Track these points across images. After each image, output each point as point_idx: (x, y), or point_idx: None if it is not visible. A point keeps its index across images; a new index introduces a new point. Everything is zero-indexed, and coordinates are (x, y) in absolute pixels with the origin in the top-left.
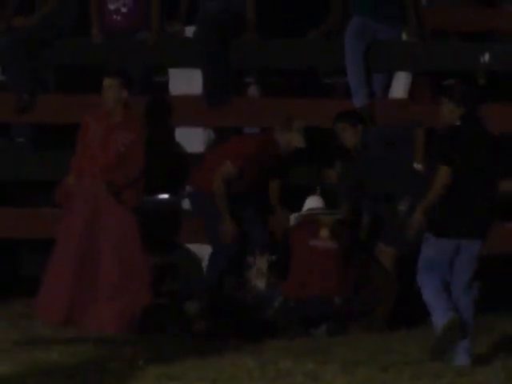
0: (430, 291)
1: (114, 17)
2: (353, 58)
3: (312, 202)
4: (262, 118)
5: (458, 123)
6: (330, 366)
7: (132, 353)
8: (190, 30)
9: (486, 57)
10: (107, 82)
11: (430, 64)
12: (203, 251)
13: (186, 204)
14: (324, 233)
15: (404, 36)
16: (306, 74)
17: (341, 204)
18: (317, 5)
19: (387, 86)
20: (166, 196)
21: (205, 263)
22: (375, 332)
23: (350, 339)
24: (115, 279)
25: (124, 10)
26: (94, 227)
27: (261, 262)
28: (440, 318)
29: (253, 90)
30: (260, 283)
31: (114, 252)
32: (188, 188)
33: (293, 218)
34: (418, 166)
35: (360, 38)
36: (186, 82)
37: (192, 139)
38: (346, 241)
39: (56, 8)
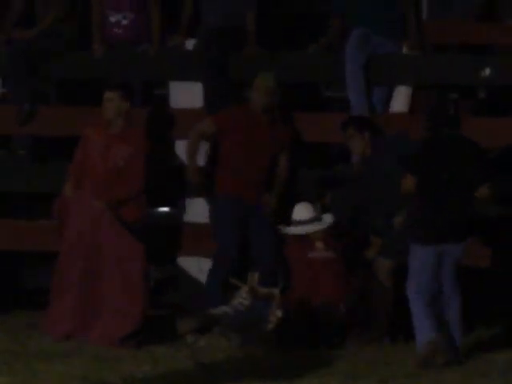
0: (416, 307)
1: (115, 29)
2: (352, 69)
3: (300, 211)
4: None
5: (432, 134)
6: (329, 379)
7: (132, 366)
8: (190, 43)
9: (487, 71)
10: (108, 95)
11: (431, 77)
12: (203, 264)
13: (186, 216)
14: (319, 244)
15: (404, 49)
16: (307, 87)
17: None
18: (317, 18)
19: (387, 100)
20: (165, 209)
21: (204, 277)
22: (374, 344)
23: (350, 352)
24: (117, 294)
25: (125, 22)
26: (93, 242)
27: (252, 281)
28: (422, 337)
29: None
30: (246, 301)
31: (115, 267)
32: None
33: (282, 229)
34: None
35: (361, 50)
36: (186, 94)
37: None
38: (341, 248)
39: (57, 20)
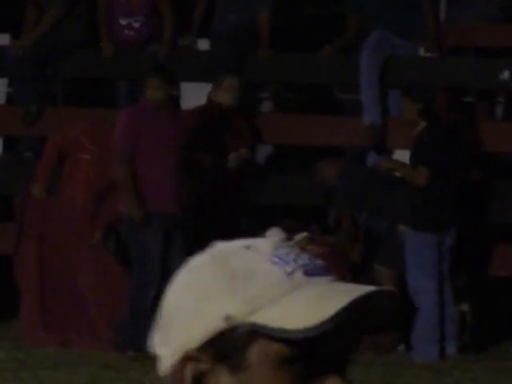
0: (425, 310)
1: (126, 32)
2: (368, 72)
3: (273, 235)
4: (276, 134)
5: (424, 125)
6: None
7: (140, 374)
8: (202, 43)
9: (506, 74)
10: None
11: (448, 80)
12: None
13: None
14: (310, 247)
15: (421, 51)
16: (321, 89)
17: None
18: (333, 19)
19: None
20: None
21: None
22: (385, 353)
23: (361, 361)
24: (94, 296)
25: (136, 25)
26: (69, 258)
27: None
28: (423, 347)
29: (266, 106)
30: None
31: (90, 270)
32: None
33: None
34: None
35: (377, 53)
36: (197, 96)
37: None
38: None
39: (57, 20)
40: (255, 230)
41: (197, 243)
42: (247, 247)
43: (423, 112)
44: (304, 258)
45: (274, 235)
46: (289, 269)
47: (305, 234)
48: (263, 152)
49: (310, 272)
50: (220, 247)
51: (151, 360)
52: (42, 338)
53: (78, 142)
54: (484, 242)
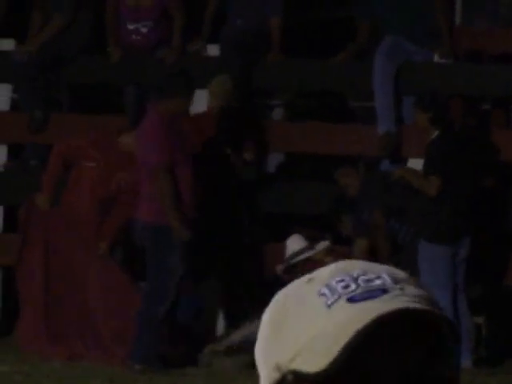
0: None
1: (134, 37)
2: (382, 79)
3: (293, 244)
4: (287, 142)
5: (437, 134)
6: None
7: None
8: (212, 49)
9: None
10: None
11: (464, 87)
12: None
13: None
14: (329, 259)
15: (436, 57)
16: (333, 96)
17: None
18: (345, 25)
19: None
20: None
21: None
22: None
23: None
24: (100, 308)
25: (144, 30)
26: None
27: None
28: None
29: (278, 113)
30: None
31: (99, 283)
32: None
33: (279, 269)
34: None
35: (391, 59)
36: (206, 103)
37: None
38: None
39: (62, 26)
40: (266, 238)
41: (204, 254)
42: (309, 280)
43: (434, 120)
44: (360, 281)
45: (295, 242)
46: (330, 300)
47: (327, 243)
48: (274, 160)
49: (357, 297)
50: (290, 285)
51: (158, 374)
52: (46, 350)
53: (83, 150)
54: (499, 251)
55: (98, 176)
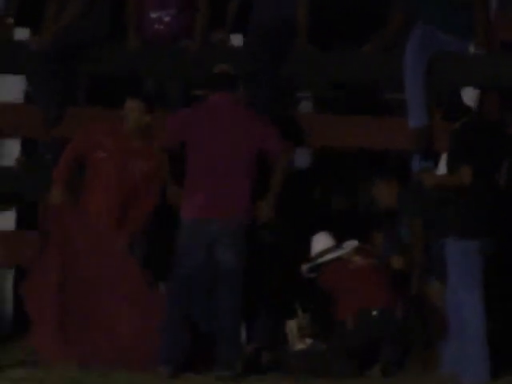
0: (471, 326)
1: (156, 26)
2: (413, 72)
3: (320, 242)
4: (314, 136)
5: (458, 125)
6: None
7: None
8: (235, 38)
9: None
10: (130, 104)
11: (500, 80)
12: None
13: None
14: (356, 258)
15: (471, 48)
16: (364, 88)
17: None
18: (375, 15)
19: None
20: None
21: None
22: (432, 370)
23: (408, 380)
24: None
25: (167, 19)
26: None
27: (301, 321)
28: (472, 367)
29: (305, 106)
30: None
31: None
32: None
33: (305, 268)
34: None
35: (423, 51)
36: None
37: None
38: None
39: (76, 16)
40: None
41: None
42: None
43: (447, 115)
44: None
45: (322, 241)
46: None
47: (355, 242)
48: (301, 155)
49: None
50: None
51: (179, 378)
52: (61, 354)
53: (94, 140)
54: None
55: (112, 167)
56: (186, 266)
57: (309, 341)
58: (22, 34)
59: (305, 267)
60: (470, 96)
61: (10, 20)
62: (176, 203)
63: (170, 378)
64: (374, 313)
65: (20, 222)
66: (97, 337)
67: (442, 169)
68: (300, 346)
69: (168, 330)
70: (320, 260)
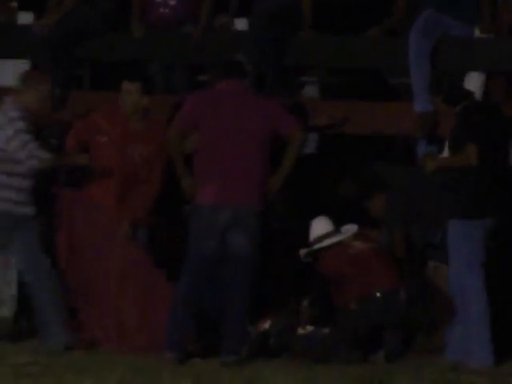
0: (475, 311)
1: (161, 10)
2: (417, 56)
3: (319, 227)
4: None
5: (460, 107)
6: None
7: (172, 380)
8: (239, 22)
9: None
10: (127, 86)
11: (506, 64)
12: None
13: None
14: (356, 243)
15: (477, 32)
16: (370, 73)
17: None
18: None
19: None
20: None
21: None
22: (435, 356)
23: (411, 366)
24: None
25: (172, 2)
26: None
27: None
28: (477, 352)
29: (310, 90)
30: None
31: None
32: None
33: (302, 253)
34: None
35: (427, 35)
36: None
37: None
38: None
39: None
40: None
41: None
42: None
43: (449, 100)
44: None
45: (321, 226)
46: None
47: (355, 227)
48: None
49: None
50: None
51: (185, 364)
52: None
53: (95, 124)
54: None
55: (113, 151)
56: (199, 253)
57: (309, 327)
58: (25, 18)
59: (302, 252)
60: (475, 81)
61: (14, 4)
62: (192, 195)
63: (176, 363)
64: (378, 295)
65: None
66: (103, 321)
67: (446, 154)
68: (300, 331)
69: (177, 315)
70: (318, 245)
